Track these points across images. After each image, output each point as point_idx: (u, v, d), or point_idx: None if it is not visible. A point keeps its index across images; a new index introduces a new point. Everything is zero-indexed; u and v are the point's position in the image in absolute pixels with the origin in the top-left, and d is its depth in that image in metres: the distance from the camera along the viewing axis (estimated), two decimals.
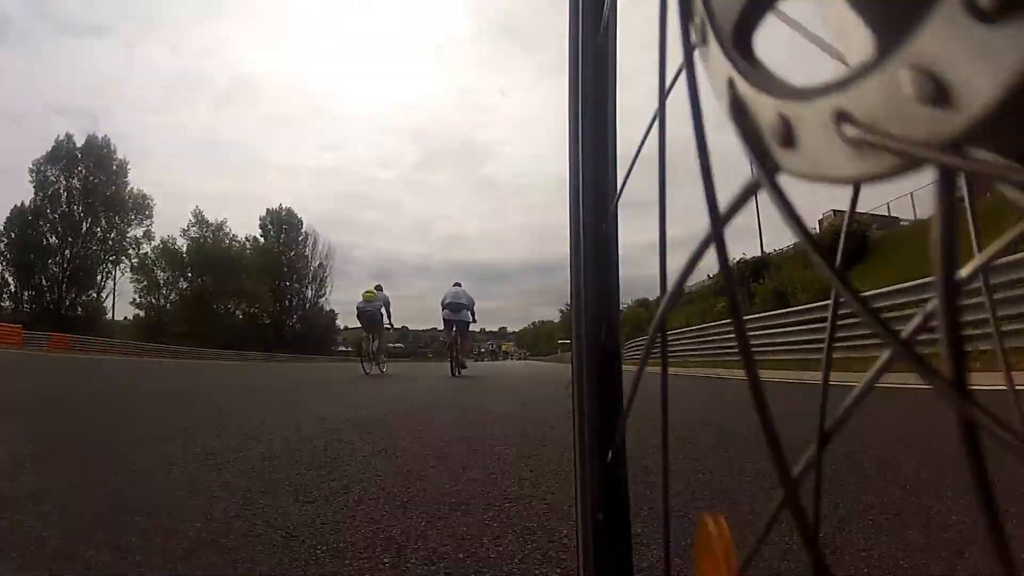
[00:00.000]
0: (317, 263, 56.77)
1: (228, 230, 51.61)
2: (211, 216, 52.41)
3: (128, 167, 45.31)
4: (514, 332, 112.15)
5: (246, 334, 46.99)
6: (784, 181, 0.17)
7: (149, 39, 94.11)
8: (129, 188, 45.41)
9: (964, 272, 0.17)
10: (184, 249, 48.38)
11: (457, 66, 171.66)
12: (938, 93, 0.12)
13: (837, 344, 0.25)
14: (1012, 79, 0.11)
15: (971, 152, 0.13)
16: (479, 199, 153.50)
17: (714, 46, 0.20)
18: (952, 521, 1.26)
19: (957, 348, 0.14)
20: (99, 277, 44.70)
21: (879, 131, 0.14)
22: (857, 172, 0.15)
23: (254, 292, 49.47)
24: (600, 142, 0.54)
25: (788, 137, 0.16)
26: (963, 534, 1.17)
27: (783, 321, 11.55)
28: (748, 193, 0.19)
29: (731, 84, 0.19)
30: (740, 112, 0.18)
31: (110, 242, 44.93)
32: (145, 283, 46.65)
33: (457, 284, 10.52)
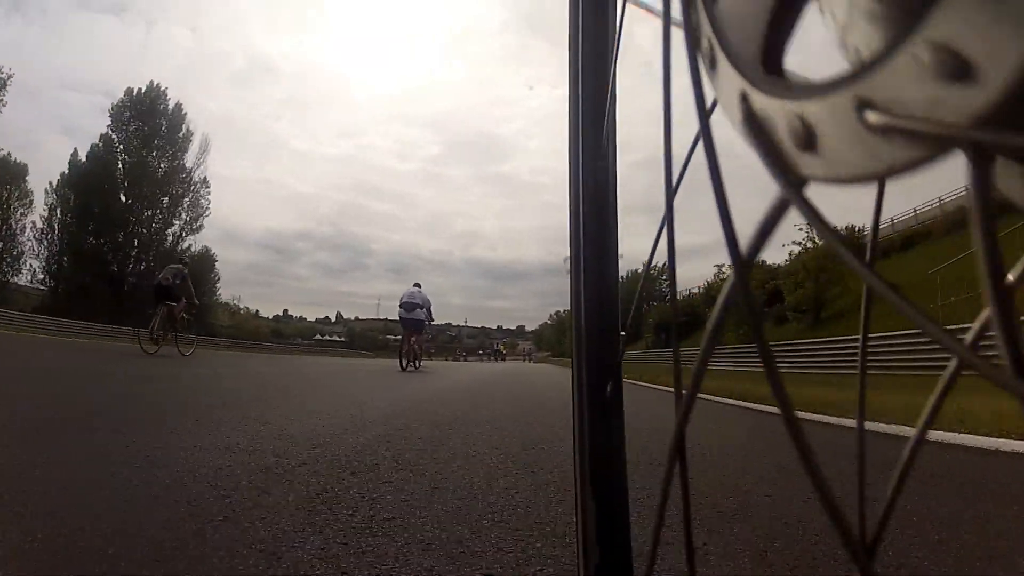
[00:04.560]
0: (200, 177, 34.88)
1: None
2: None
3: None
4: (532, 332, 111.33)
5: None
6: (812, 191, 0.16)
7: (168, 17, 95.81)
8: None
9: (1011, 276, 0.15)
10: None
11: (482, 57, 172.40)
12: (960, 69, 0.11)
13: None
14: None
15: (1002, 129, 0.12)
16: (497, 196, 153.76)
17: (723, 64, 0.19)
18: None
19: (1015, 348, 0.13)
20: None
21: (903, 113, 0.13)
22: (883, 165, 0.14)
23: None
24: (599, 144, 0.54)
25: (809, 140, 0.15)
26: None
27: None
28: (778, 212, 0.17)
29: (744, 98, 0.18)
30: (756, 126, 0.17)
31: None
32: None
33: (416, 285, 11.28)
